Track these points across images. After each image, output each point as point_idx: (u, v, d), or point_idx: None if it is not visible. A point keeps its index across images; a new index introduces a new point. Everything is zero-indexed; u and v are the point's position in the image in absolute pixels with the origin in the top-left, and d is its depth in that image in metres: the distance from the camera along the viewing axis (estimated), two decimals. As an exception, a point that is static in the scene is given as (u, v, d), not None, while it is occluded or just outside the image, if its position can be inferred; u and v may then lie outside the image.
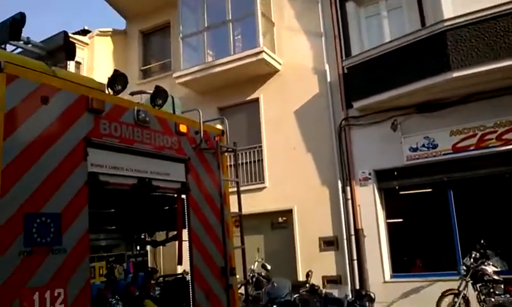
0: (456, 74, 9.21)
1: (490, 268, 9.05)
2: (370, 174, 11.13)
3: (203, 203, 4.60)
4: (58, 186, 3.25)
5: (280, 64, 12.89)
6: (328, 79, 12.00)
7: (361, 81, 10.91)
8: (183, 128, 4.51)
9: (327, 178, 11.73)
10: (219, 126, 5.27)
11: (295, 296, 7.31)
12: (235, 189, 5.00)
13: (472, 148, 9.92)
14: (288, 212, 12.28)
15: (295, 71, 12.58)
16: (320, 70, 12.17)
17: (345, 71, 11.48)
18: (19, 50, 3.77)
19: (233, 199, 5.09)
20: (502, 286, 8.83)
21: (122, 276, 4.32)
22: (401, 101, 10.43)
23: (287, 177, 12.18)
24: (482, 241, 9.40)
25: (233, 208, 5.00)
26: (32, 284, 2.96)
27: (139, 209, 4.81)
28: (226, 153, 5.32)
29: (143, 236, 5.11)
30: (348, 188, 11.32)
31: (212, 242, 4.61)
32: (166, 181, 4.25)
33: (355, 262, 10.95)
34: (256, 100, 13.22)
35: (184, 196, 4.45)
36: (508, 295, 8.74)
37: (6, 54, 3.40)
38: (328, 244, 11.49)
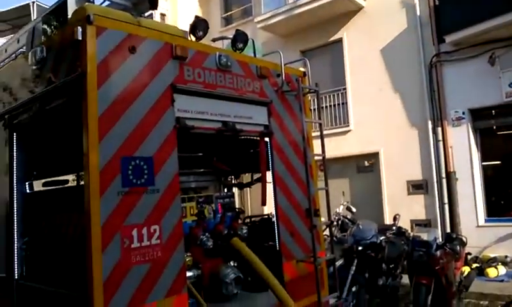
0: None
1: None
2: (464, 113, 10.45)
3: (286, 146, 4.63)
4: (149, 131, 3.43)
5: (365, 0, 12.24)
6: (418, 13, 11.21)
7: (455, 12, 10.03)
8: (264, 71, 4.50)
9: (416, 119, 11.21)
10: (301, 69, 5.18)
11: (381, 238, 7.22)
12: (318, 134, 4.95)
13: None
14: (375, 155, 12.00)
15: (381, 7, 11.88)
16: (408, 3, 11.38)
17: (437, 2, 10.63)
18: (107, 3, 3.94)
19: (316, 144, 5.06)
20: None
21: (211, 216, 4.54)
22: (500, 32, 9.49)
23: (373, 119, 11.81)
24: None
25: (317, 151, 4.98)
26: (130, 221, 3.22)
27: (224, 153, 4.97)
28: (308, 96, 5.26)
29: (229, 179, 5.30)
30: (439, 129, 10.76)
31: (296, 183, 4.66)
32: (249, 125, 4.31)
33: (446, 206, 10.55)
34: (340, 41, 12.78)
35: (267, 139, 4.50)
36: None
37: (95, 7, 3.55)
38: (417, 187, 11.13)
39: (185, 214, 4.27)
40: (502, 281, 8.22)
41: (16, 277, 3.98)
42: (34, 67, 3.77)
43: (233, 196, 5.21)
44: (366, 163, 12.47)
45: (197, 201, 4.54)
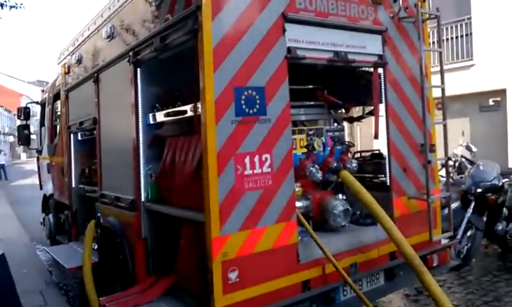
0: None
1: None
2: None
3: (401, 77, 4.38)
4: (261, 61, 3.46)
5: None
6: None
7: None
8: (380, -4, 4.23)
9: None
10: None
11: (504, 181, 6.69)
12: (438, 69, 4.58)
13: None
14: (501, 93, 10.90)
15: None
16: None
17: None
18: None
19: (435, 79, 4.72)
20: None
21: (321, 149, 4.53)
22: None
23: (501, 52, 10.62)
24: None
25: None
26: (244, 149, 3.34)
27: (336, 85, 4.85)
28: (427, 24, 4.86)
29: (340, 112, 5.20)
30: None
31: (411, 117, 4.42)
32: (362, 55, 4.12)
33: None
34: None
35: (380, 70, 4.30)
36: None
37: None
38: (551, 127, 9.98)
39: (295, 146, 4.31)
40: None
41: (143, 200, 4.41)
42: (153, 4, 3.97)
43: (343, 129, 5.13)
44: (490, 101, 11.42)
45: (307, 133, 4.54)
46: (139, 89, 4.41)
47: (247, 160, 3.36)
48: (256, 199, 3.38)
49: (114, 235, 4.83)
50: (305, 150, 4.26)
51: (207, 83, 3.23)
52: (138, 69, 4.40)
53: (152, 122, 4.44)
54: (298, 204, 3.85)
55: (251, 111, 3.39)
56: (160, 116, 4.34)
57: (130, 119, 4.49)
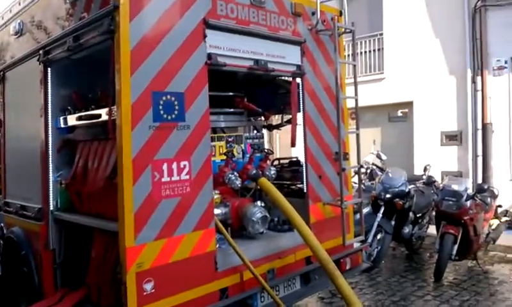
0: None
1: None
2: (506, 62, 9.94)
3: (318, 87, 4.53)
4: (180, 66, 3.40)
5: None
6: (464, -47, 10.50)
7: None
8: (299, 8, 4.35)
9: (455, 67, 10.76)
10: (337, 7, 4.98)
11: (410, 187, 7.17)
12: (352, 81, 4.80)
13: None
14: (409, 104, 11.69)
15: None
16: None
17: None
18: None
19: (349, 90, 4.94)
20: None
21: (240, 156, 4.56)
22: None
23: (409, 67, 11.41)
24: None
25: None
26: (161, 155, 3.25)
27: (255, 93, 4.91)
28: (343, 38, 5.09)
29: (259, 120, 5.27)
30: (479, 78, 10.30)
31: (326, 126, 4.59)
32: (282, 64, 4.21)
33: (479, 158, 10.29)
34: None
35: (299, 80, 4.42)
36: None
37: None
38: (451, 138, 10.86)
39: (214, 153, 4.30)
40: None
41: (51, 208, 4.14)
42: (68, 1, 3.75)
43: (262, 137, 5.19)
44: (399, 112, 12.19)
45: (226, 140, 4.55)
46: (49, 90, 4.14)
47: (164, 167, 3.28)
48: (174, 207, 3.31)
49: (18, 247, 4.48)
50: (224, 157, 4.26)
51: (124, 86, 3.10)
52: (49, 69, 4.14)
53: (62, 125, 4.19)
54: (217, 211, 3.83)
55: (169, 117, 3.32)
56: (72, 120, 4.10)
57: (39, 122, 4.20)
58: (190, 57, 3.46)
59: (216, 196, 3.89)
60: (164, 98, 3.29)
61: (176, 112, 3.35)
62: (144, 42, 3.20)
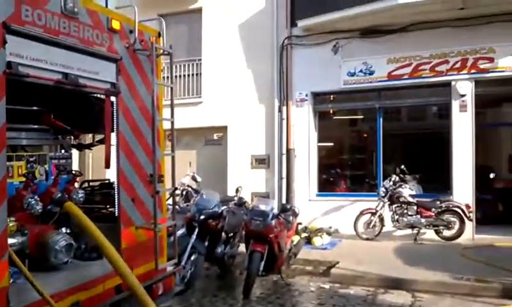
0: (401, 1, 9.23)
1: (406, 191, 9.80)
2: (307, 95, 11.26)
3: (133, 107, 4.40)
4: (-31, 73, 2.93)
5: (226, -27, 12.25)
6: (275, -6, 11.62)
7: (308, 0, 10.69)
8: (116, 24, 4.17)
9: (264, 96, 11.74)
10: (156, 28, 4.95)
11: (223, 208, 7.45)
12: (169, 102, 4.79)
13: (406, 76, 10.27)
14: (223, 129, 12.27)
15: (241, -17, 12.04)
16: (266, -16, 11.73)
17: (293, -13, 11.17)
18: None
19: (166, 112, 4.91)
20: (415, 208, 9.62)
21: (43, 177, 4.12)
22: (345, 24, 10.41)
23: (224, 93, 12.03)
24: (402, 166, 10.06)
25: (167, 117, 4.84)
26: None
27: (64, 109, 4.52)
28: (162, 59, 5.06)
29: (68, 138, 4.86)
30: (284, 108, 11.42)
31: (142, 147, 4.47)
32: (95, 81, 3.96)
33: (284, 180, 11.34)
34: (199, 10, 12.62)
35: (113, 98, 4.22)
36: (419, 216, 9.56)
37: None
38: (260, 161, 11.75)
39: (12, 174, 3.79)
40: (325, 248, 9.17)
41: None
42: None
43: (70, 157, 4.80)
44: (215, 136, 12.69)
45: (27, 160, 4.06)
46: None
47: None
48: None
49: None
50: (24, 179, 3.78)
51: None
52: None
53: None
54: (11, 241, 3.36)
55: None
56: None
57: None
58: (-17, 63, 3.01)
59: (11, 224, 3.42)
60: None
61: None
62: None
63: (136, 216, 4.41)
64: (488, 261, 7.60)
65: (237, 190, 8.52)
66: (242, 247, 7.67)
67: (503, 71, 9.54)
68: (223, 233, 7.37)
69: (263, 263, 6.65)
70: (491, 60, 9.58)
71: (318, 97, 11.45)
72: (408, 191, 9.87)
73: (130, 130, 4.37)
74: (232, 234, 7.68)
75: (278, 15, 11.56)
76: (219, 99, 12.07)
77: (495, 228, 10.36)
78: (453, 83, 9.88)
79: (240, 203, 7.89)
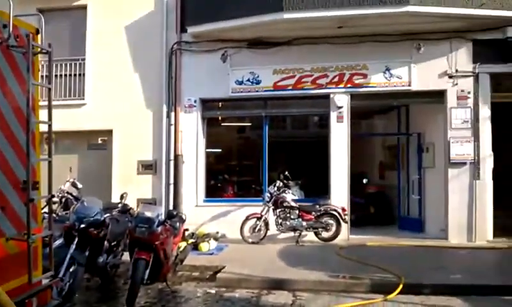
0: (286, 15, 9.71)
1: (289, 196, 10.34)
2: (195, 102, 11.31)
3: (6, 108, 4.02)
4: None
5: (114, -27, 11.83)
6: (165, -2, 11.50)
7: (198, 6, 10.80)
8: (-15, 17, 3.83)
9: (153, 101, 11.54)
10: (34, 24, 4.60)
11: (105, 216, 7.15)
12: (47, 103, 4.49)
13: (289, 87, 10.84)
14: (108, 133, 11.78)
15: (129, -16, 11.72)
16: (157, -14, 11.57)
17: (183, -8, 11.16)
18: None
19: (44, 114, 4.59)
20: (297, 212, 10.19)
21: None
22: (233, 33, 10.67)
23: (110, 96, 11.57)
24: (286, 172, 10.59)
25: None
26: None
27: None
28: (39, 58, 4.72)
29: None
30: (173, 114, 11.34)
31: (14, 151, 4.11)
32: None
33: (171, 186, 11.24)
34: (84, 8, 12.00)
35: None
36: (300, 219, 10.14)
37: None
38: (146, 167, 11.51)
39: None
40: (212, 254, 9.26)
41: None
42: None
43: None
44: (99, 140, 12.14)
45: None
46: None
47: None
48: None
49: None
50: None
51: None
52: None
53: None
54: None
55: None
56: None
57: None
58: None
59: None
60: None
61: None
62: None
63: (7, 226, 4.04)
64: (360, 259, 8.31)
65: (121, 197, 8.24)
66: (126, 256, 7.44)
67: (374, 86, 10.54)
68: (106, 242, 7.07)
69: (148, 271, 6.51)
70: (365, 76, 10.54)
71: (207, 104, 11.55)
72: (291, 196, 10.40)
73: (1, 133, 4.01)
74: (115, 242, 7.41)
75: (168, 19, 11.46)
76: (104, 101, 11.57)
77: (367, 228, 11.40)
78: (331, 95, 10.66)
79: (125, 210, 7.65)
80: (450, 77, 10.27)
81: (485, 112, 10.20)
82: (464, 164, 10.16)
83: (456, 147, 10.18)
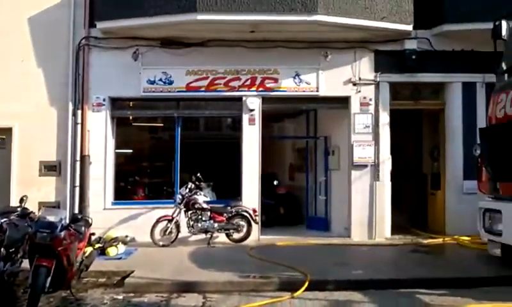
0: (200, 17, 9.70)
1: (201, 198, 10.38)
2: (104, 100, 10.90)
3: None
4: None
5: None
6: (72, -10, 10.94)
7: (108, 1, 10.38)
8: None
9: (57, 98, 10.90)
10: None
11: (3, 220, 6.67)
12: None
13: (202, 89, 10.86)
14: (7, 131, 10.94)
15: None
16: (64, -23, 10.97)
17: (92, -16, 10.71)
18: None
19: None
20: (209, 214, 10.24)
21: None
22: (146, 32, 10.46)
23: (10, 92, 10.73)
24: (198, 174, 10.60)
25: None
26: None
27: None
28: None
29: None
30: (79, 112, 10.82)
31: None
32: None
33: (77, 188, 10.72)
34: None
35: None
36: (212, 221, 10.21)
37: None
38: (50, 168, 10.85)
39: None
40: (120, 258, 8.95)
41: None
42: None
43: None
44: (-5, 139, 11.24)
45: None
46: None
47: None
48: None
49: None
50: None
51: None
52: None
53: None
54: None
55: None
56: None
57: None
58: None
59: None
60: None
61: None
62: None
63: None
64: (269, 259, 8.55)
65: (21, 200, 7.73)
66: (26, 264, 6.99)
67: (285, 91, 10.89)
68: (3, 249, 6.62)
69: (50, 278, 6.16)
70: (276, 80, 10.86)
71: (117, 103, 11.16)
72: (202, 198, 10.42)
73: None
74: (13, 249, 6.94)
75: (76, 12, 10.90)
76: (2, 97, 10.71)
77: (277, 229, 11.76)
78: (244, 98, 10.84)
79: (24, 214, 7.20)
80: (354, 84, 10.94)
81: (384, 118, 10.98)
82: (366, 166, 10.86)
83: (358, 150, 10.85)
